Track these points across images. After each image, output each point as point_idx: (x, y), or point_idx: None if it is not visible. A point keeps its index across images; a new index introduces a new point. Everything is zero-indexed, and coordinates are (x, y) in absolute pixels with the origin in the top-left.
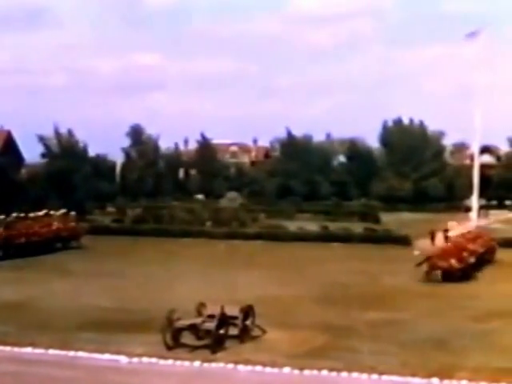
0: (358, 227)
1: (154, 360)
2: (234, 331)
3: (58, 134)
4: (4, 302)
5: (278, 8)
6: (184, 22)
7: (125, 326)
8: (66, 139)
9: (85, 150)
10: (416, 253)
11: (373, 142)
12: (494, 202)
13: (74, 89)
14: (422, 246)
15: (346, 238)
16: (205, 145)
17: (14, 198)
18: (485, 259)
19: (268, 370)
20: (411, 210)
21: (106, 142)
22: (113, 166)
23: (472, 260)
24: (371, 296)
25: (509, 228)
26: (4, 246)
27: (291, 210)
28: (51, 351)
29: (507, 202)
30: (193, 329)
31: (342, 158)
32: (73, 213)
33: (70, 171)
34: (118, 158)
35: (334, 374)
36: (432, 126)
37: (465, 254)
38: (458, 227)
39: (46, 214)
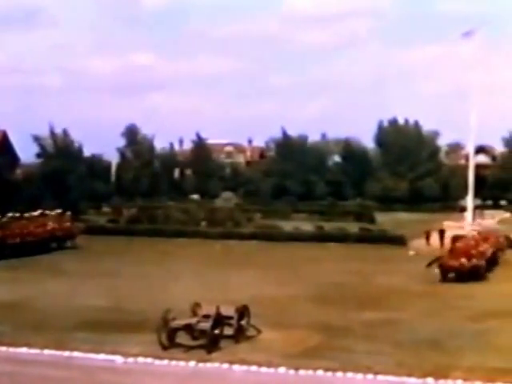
0: (353, 227)
1: (149, 360)
2: (229, 331)
3: (53, 134)
4: None
5: (274, 8)
6: (179, 22)
7: (120, 325)
8: (61, 139)
9: (80, 150)
10: (411, 253)
11: (368, 142)
12: (489, 202)
13: (69, 89)
14: (417, 245)
15: (342, 238)
16: (200, 145)
17: (9, 198)
18: (495, 260)
19: (263, 369)
20: (406, 209)
21: (102, 142)
22: (108, 166)
23: (483, 260)
24: (367, 296)
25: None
26: None
27: (286, 210)
28: (46, 351)
29: (502, 202)
30: (188, 329)
31: (337, 158)
32: (68, 213)
33: (65, 171)
34: (114, 158)
35: (329, 373)
36: (427, 126)
37: (475, 254)
38: (454, 227)
39: (41, 214)
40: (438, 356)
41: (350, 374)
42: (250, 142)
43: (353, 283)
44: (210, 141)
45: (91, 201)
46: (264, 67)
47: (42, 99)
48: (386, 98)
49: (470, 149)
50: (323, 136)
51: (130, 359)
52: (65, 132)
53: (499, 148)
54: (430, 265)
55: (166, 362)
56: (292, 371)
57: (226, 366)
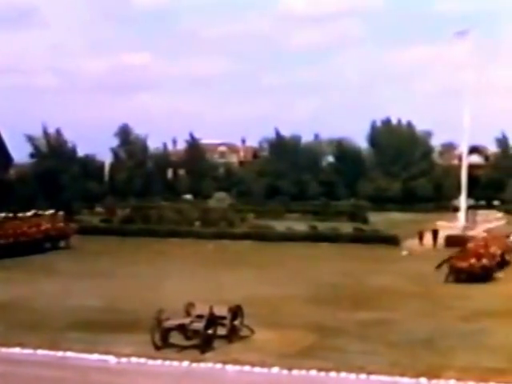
0: (346, 227)
1: (142, 360)
2: (222, 331)
3: (46, 134)
4: None
5: (267, 8)
6: (172, 21)
7: (113, 325)
8: (54, 139)
9: (73, 150)
10: (404, 253)
11: (361, 142)
12: (483, 202)
13: (62, 89)
14: (410, 245)
15: (335, 238)
16: (193, 145)
17: (3, 198)
18: (505, 260)
19: (256, 369)
20: (399, 209)
21: (95, 142)
22: (101, 166)
23: (492, 261)
24: (360, 296)
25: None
26: None
27: (280, 210)
28: (40, 351)
29: (495, 202)
30: (181, 329)
31: (330, 158)
32: (61, 213)
33: (59, 171)
34: (107, 158)
35: (322, 373)
36: (420, 126)
37: (484, 254)
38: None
39: (35, 214)
40: (431, 356)
41: (343, 374)
42: (243, 142)
43: (346, 283)
44: (204, 141)
45: (85, 201)
46: (257, 67)
47: (35, 99)
48: (379, 98)
49: (463, 149)
50: (316, 136)
51: (124, 359)
52: (58, 132)
53: (492, 148)
54: (439, 266)
55: (159, 362)
56: (285, 371)
57: (219, 366)
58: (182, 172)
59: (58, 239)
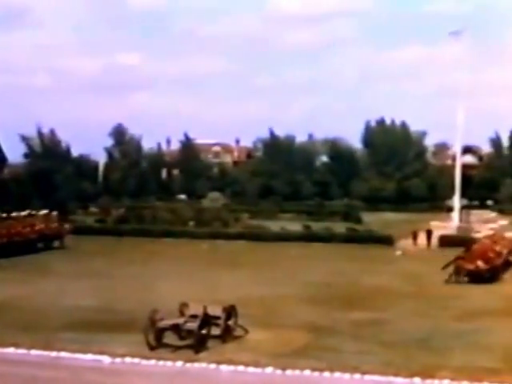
0: (340, 227)
1: (136, 360)
2: (216, 331)
3: (40, 134)
4: None
5: (260, 9)
6: (166, 22)
7: (107, 326)
8: (48, 139)
9: (67, 150)
10: (398, 253)
11: (355, 142)
12: (476, 202)
13: (56, 89)
14: (404, 245)
15: (328, 238)
16: (188, 145)
17: None
18: (509, 261)
19: (250, 369)
20: (393, 210)
21: (89, 142)
22: (95, 166)
23: (499, 262)
24: (354, 296)
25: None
26: None
27: (274, 210)
28: (34, 351)
29: (489, 202)
30: (175, 329)
31: (324, 159)
32: (55, 213)
33: (53, 171)
34: (101, 158)
35: (316, 373)
36: (414, 127)
37: (491, 255)
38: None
39: (29, 214)
40: (425, 356)
41: (337, 374)
42: (237, 142)
43: (340, 283)
44: (198, 141)
45: (79, 201)
46: (251, 67)
47: (29, 99)
48: (373, 99)
49: (456, 149)
50: (310, 136)
51: (118, 359)
52: (52, 132)
53: (486, 148)
54: (446, 266)
55: (153, 362)
56: (279, 371)
57: (213, 365)
58: (176, 172)
59: (52, 239)
